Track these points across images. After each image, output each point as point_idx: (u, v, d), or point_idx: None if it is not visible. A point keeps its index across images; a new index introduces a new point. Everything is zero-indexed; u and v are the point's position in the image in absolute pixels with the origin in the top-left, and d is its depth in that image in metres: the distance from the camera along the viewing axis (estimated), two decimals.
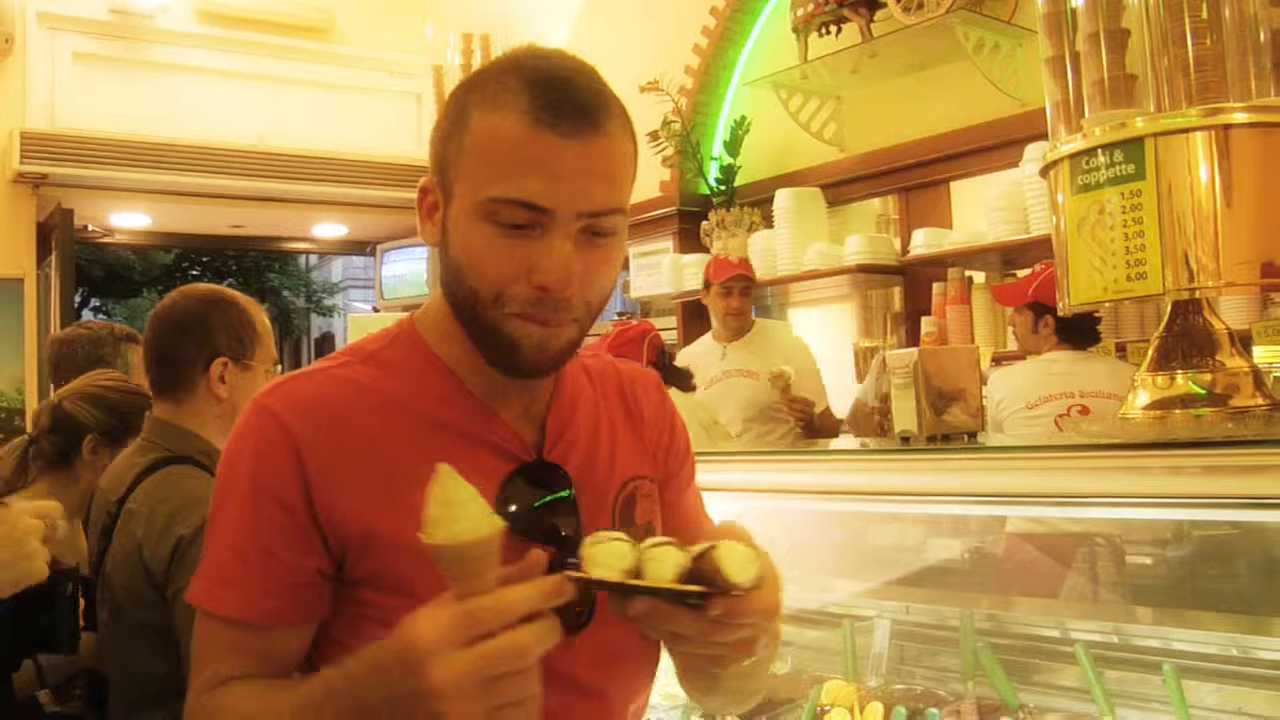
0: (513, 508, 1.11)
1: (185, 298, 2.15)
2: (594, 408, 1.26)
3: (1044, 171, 2.00)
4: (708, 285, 4.43)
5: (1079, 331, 3.44)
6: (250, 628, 1.08)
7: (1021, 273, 4.35)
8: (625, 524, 1.20)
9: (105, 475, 2.14)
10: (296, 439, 1.10)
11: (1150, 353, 1.95)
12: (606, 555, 0.87)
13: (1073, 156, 1.88)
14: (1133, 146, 1.78)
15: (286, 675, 1.11)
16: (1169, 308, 1.94)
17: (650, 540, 0.91)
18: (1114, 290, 1.81)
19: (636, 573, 0.87)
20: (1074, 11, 2.02)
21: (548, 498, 1.15)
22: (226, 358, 2.08)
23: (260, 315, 2.18)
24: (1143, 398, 1.92)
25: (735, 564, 0.88)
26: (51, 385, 3.16)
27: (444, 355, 1.17)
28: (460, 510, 0.87)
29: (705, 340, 4.66)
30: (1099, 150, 1.83)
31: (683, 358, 4.58)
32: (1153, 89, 1.88)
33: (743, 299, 4.38)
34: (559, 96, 1.05)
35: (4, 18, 6.04)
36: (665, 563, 0.87)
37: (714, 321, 4.61)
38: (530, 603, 0.86)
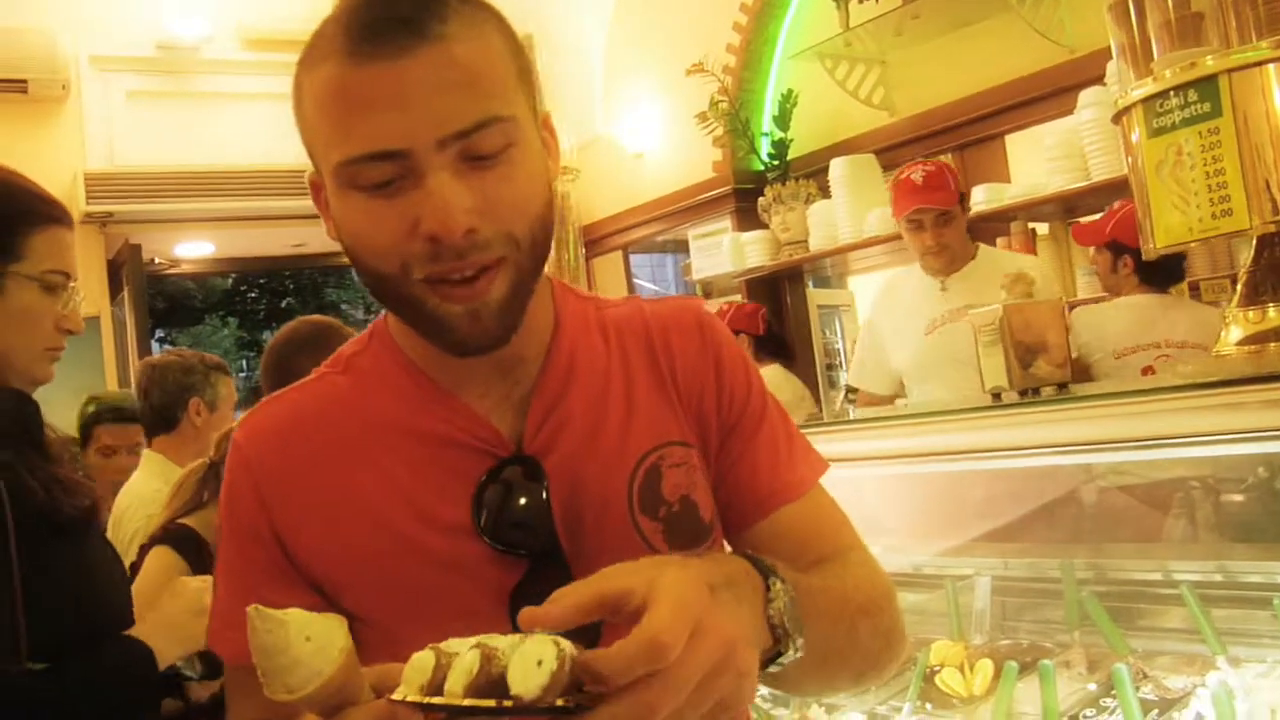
0: (484, 518, 0.98)
1: (302, 324, 2.47)
2: (602, 371, 1.07)
3: (1116, 118, 2.00)
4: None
5: (1162, 271, 3.32)
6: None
7: (1088, 218, 4.30)
8: (649, 504, 1.03)
9: None
10: (254, 470, 1.02)
11: (1239, 288, 1.95)
12: (412, 672, 0.72)
13: (1145, 100, 1.88)
14: (1206, 85, 1.78)
15: None
16: (1254, 242, 1.93)
17: (472, 640, 0.72)
18: (1199, 230, 1.81)
19: (440, 685, 0.70)
20: None
21: (523, 500, 0.99)
22: None
23: None
24: (1235, 334, 1.92)
25: (521, 669, 0.68)
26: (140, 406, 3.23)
27: (411, 351, 1.04)
28: (287, 657, 0.71)
29: (915, 272, 3.63)
30: (1171, 92, 1.83)
31: (889, 288, 3.82)
32: (1220, 25, 1.87)
33: (939, 231, 3.40)
34: (374, 17, 0.89)
35: (58, 65, 6.18)
36: (459, 672, 0.69)
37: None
38: None
